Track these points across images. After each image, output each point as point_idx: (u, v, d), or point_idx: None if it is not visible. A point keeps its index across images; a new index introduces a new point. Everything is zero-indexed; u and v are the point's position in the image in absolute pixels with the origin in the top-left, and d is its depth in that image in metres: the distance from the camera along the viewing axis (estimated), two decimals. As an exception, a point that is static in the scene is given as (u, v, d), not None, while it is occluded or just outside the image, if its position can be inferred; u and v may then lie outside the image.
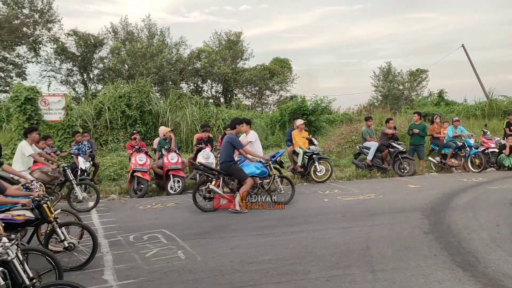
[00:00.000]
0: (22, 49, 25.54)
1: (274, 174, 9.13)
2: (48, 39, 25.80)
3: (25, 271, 3.29)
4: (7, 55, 25.31)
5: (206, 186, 8.59)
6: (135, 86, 16.73)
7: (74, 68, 27.28)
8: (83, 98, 22.81)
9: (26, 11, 24.60)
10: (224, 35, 29.88)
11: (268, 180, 8.99)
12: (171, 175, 10.59)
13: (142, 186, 10.51)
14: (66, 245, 5.18)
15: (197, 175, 10.63)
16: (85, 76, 27.68)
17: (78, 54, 26.57)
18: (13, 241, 3.26)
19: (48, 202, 5.16)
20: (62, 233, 5.22)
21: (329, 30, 62.81)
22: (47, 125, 13.00)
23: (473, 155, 12.73)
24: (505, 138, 13.50)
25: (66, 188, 9.48)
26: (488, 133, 14.19)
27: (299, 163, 11.63)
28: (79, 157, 10.60)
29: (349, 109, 25.76)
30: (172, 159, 10.59)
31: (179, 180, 10.62)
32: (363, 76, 70.47)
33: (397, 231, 6.54)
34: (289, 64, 30.49)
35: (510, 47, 64.08)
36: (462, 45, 26.66)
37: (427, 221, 7.06)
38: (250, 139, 9.70)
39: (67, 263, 5.25)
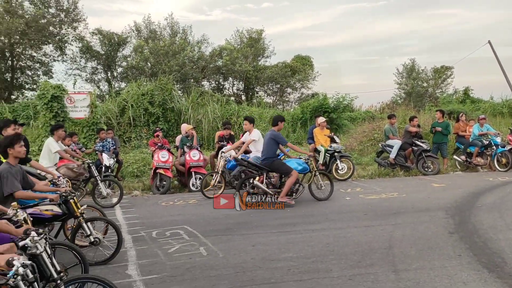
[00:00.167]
0: (48, 48, 26.09)
1: (315, 170, 9.17)
2: (74, 38, 26.27)
3: (53, 264, 3.36)
4: (34, 54, 25.91)
5: (250, 182, 8.69)
6: (157, 83, 16.89)
7: (99, 67, 27.71)
8: (107, 96, 23.18)
9: (52, 10, 25.09)
10: (245, 33, 29.88)
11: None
12: (193, 172, 10.67)
13: (164, 182, 10.64)
14: (92, 240, 5.29)
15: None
16: (109, 74, 28.10)
17: (103, 52, 26.99)
18: (41, 235, 3.33)
19: (74, 197, 5.28)
20: (88, 228, 5.33)
21: (351, 27, 62.10)
22: (72, 122, 13.29)
23: (499, 154, 12.44)
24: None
25: (91, 184, 9.68)
26: (515, 131, 13.82)
27: (321, 161, 11.57)
28: (104, 154, 10.78)
29: (372, 106, 25.45)
30: (194, 156, 10.67)
31: (201, 177, 10.71)
32: (386, 73, 69.57)
33: (421, 230, 6.45)
34: (311, 62, 30.29)
35: (539, 43, 62.10)
36: (489, 41, 25.99)
37: (451, 221, 6.94)
38: (254, 137, 9.65)
39: (92, 257, 5.35)
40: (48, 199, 5.17)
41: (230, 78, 28.87)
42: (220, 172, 9.63)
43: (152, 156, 11.19)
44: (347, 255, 5.39)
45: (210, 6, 57.96)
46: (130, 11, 48.75)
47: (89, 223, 5.39)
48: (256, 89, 29.58)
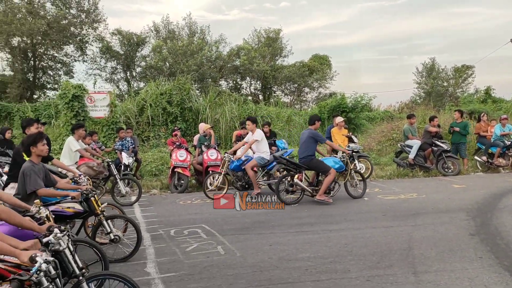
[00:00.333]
0: (69, 48, 26.62)
1: (351, 169, 9.20)
2: (94, 38, 26.73)
3: (75, 261, 3.40)
4: (56, 54, 26.43)
5: (289, 180, 8.77)
6: (176, 83, 17.02)
7: (118, 66, 28.12)
8: (126, 95, 23.47)
9: (73, 11, 25.56)
10: (263, 32, 29.94)
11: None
12: (210, 171, 10.73)
13: (182, 181, 10.72)
14: (112, 237, 5.35)
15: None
16: (128, 74, 28.48)
17: (122, 52, 27.37)
18: (64, 232, 3.38)
19: (95, 195, 5.37)
20: (108, 225, 5.39)
21: (370, 26, 61.56)
22: (92, 121, 13.50)
23: (522, 155, 12.18)
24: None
25: (110, 183, 9.81)
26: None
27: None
28: (123, 153, 10.91)
29: (390, 106, 25.17)
30: (212, 155, 10.73)
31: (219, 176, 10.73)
32: (405, 72, 68.70)
33: (441, 232, 6.36)
34: (329, 61, 30.17)
35: None
36: (511, 40, 25.45)
37: (473, 222, 6.82)
38: (256, 138, 9.63)
39: (112, 254, 5.42)
40: (70, 197, 5.26)
41: (248, 78, 28.95)
42: (223, 173, 9.65)
43: (170, 155, 11.29)
44: (366, 256, 5.34)
45: (228, 6, 58.26)
46: (149, 12, 49.35)
47: (109, 221, 5.46)
48: (274, 89, 29.59)
